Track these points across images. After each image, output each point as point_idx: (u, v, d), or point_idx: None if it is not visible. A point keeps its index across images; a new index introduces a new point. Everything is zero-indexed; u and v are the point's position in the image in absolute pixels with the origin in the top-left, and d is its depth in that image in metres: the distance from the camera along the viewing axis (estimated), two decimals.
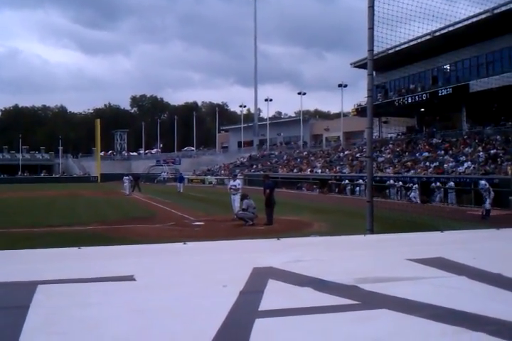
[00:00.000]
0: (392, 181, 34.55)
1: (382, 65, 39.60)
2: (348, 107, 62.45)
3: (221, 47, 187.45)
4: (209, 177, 66.13)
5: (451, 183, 30.32)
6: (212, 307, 2.00)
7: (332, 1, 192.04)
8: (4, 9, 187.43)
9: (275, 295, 2.14)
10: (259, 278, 2.37)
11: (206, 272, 2.58)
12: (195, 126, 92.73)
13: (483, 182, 22.05)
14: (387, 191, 33.96)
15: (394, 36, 11.89)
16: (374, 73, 11.90)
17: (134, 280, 2.35)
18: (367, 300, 2.11)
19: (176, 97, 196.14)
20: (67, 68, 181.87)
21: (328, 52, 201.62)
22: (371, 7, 10.46)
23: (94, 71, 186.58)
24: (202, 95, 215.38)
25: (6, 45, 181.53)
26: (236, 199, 20.17)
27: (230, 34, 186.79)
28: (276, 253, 3.14)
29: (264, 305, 2.00)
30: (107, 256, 3.08)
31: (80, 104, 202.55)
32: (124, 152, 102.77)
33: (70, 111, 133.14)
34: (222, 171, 69.76)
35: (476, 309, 1.95)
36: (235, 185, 21.13)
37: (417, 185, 31.47)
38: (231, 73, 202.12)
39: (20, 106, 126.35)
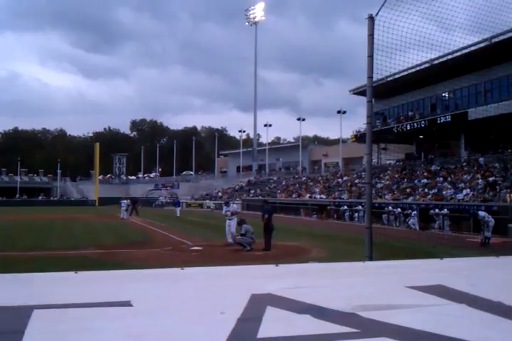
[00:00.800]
0: (391, 207, 34.48)
1: (381, 92, 39.89)
2: (347, 133, 62.55)
3: (220, 72, 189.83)
4: (207, 201, 66.21)
5: (445, 210, 30.18)
6: (210, 334, 1.98)
7: (330, 29, 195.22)
8: (5, 32, 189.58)
9: (273, 322, 2.12)
10: (258, 305, 2.35)
11: (204, 298, 2.56)
12: (194, 150, 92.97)
13: (482, 213, 22.03)
14: (386, 217, 33.84)
15: (393, 64, 12.00)
16: (373, 100, 11.95)
17: (131, 305, 2.33)
18: (366, 328, 2.09)
19: (176, 122, 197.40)
20: (67, 92, 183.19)
21: (326, 78, 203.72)
22: (371, 35, 10.58)
23: (95, 95, 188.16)
24: (201, 120, 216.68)
25: (6, 68, 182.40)
26: (232, 225, 20.07)
27: (228, 60, 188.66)
28: (275, 279, 3.12)
29: (263, 332, 1.98)
30: (104, 281, 3.05)
31: (79, 128, 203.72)
32: (122, 176, 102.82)
33: (69, 135, 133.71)
34: (220, 193, 69.86)
35: (475, 338, 1.93)
36: (233, 209, 21.17)
37: (415, 212, 31.43)
38: (230, 98, 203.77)
39: (20, 129, 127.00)
